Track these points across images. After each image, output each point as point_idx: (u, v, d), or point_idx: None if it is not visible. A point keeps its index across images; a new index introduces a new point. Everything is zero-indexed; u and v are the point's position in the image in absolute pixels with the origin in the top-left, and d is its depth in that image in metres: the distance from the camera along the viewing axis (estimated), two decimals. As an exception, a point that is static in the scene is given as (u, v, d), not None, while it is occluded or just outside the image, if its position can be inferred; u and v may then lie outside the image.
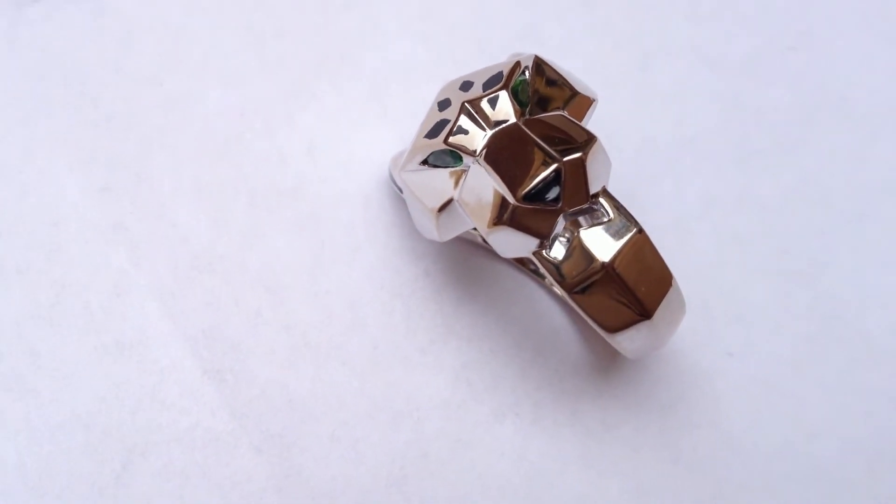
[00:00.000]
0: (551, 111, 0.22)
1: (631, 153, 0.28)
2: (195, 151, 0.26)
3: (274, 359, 0.24)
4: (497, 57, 0.27)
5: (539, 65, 0.23)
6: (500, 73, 0.23)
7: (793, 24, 0.30)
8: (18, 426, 0.23)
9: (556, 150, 0.21)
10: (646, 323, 0.22)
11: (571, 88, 0.23)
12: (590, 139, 0.21)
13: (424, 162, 0.22)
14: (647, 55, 0.29)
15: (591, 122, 0.27)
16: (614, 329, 0.22)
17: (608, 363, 0.26)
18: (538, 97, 0.22)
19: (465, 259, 0.26)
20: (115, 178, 0.25)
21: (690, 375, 0.26)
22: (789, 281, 0.27)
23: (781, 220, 0.28)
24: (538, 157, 0.21)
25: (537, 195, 0.21)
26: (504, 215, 0.21)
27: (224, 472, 0.23)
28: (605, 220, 0.21)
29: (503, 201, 0.21)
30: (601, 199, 0.21)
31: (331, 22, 0.28)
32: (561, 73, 0.23)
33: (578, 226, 0.21)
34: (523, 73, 0.23)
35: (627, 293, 0.21)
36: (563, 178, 0.21)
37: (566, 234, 0.21)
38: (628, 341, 0.22)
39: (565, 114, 0.22)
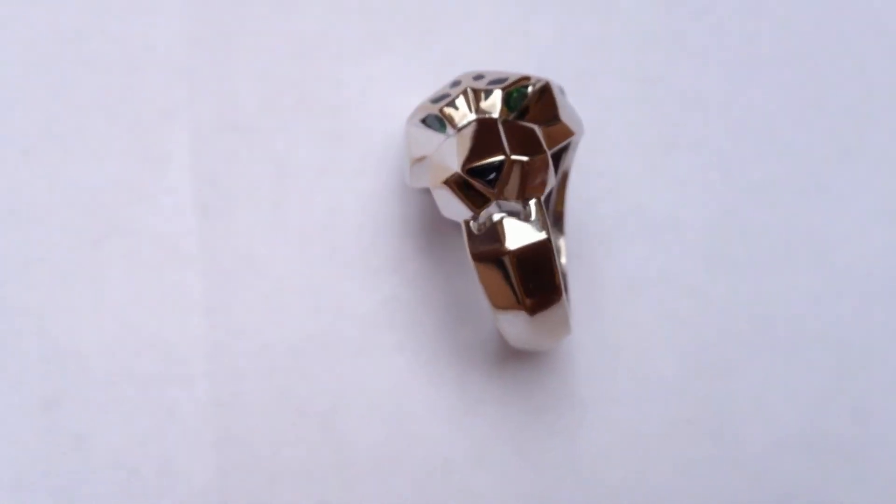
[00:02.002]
0: (533, 124, 0.27)
1: (623, 209, 0.32)
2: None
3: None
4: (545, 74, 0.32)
5: (545, 88, 0.27)
6: (508, 77, 0.27)
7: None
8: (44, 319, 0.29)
9: (510, 148, 0.25)
10: (525, 315, 0.26)
11: (557, 115, 0.27)
12: (542, 154, 0.25)
13: (423, 120, 0.27)
14: (675, 141, 0.33)
15: (593, 159, 0.31)
16: (497, 306, 0.26)
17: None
18: (527, 109, 0.27)
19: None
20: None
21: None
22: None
23: (714, 317, 0.31)
24: (496, 148, 0.25)
25: (478, 173, 0.25)
26: (449, 178, 0.25)
27: (175, 404, 0.29)
28: (530, 219, 0.26)
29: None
30: (532, 204, 0.26)
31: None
32: (559, 102, 0.27)
33: (505, 214, 0.26)
34: (526, 87, 0.27)
35: (517, 282, 0.25)
36: (504, 170, 0.25)
37: (494, 218, 0.26)
38: (508, 325, 0.26)
39: (538, 129, 0.26)
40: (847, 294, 0.32)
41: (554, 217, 0.30)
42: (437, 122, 0.27)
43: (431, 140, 0.27)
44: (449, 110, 0.27)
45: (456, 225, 0.27)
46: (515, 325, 0.26)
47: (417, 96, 0.31)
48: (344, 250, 0.30)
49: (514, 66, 0.33)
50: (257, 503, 0.28)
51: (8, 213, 0.30)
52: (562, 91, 0.29)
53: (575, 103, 0.31)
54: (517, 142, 0.25)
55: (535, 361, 0.30)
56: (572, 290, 0.31)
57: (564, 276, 0.30)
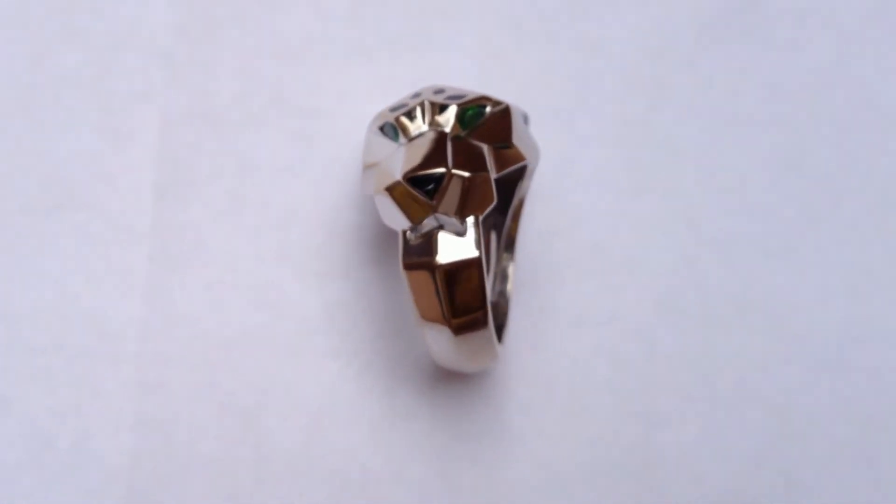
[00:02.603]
0: (483, 144, 0.27)
1: (581, 245, 0.32)
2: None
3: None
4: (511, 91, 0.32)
5: (504, 111, 0.27)
6: (466, 95, 0.27)
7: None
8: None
9: (454, 163, 0.25)
10: (449, 333, 0.26)
11: (510, 139, 0.27)
12: (484, 172, 0.26)
13: (381, 128, 0.28)
14: (644, 186, 0.33)
15: (559, 191, 0.32)
16: (423, 318, 0.26)
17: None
18: (481, 128, 0.27)
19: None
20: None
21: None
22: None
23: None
24: (440, 161, 0.26)
25: (418, 182, 0.25)
26: (391, 185, 0.26)
27: (100, 381, 0.29)
28: (465, 236, 0.26)
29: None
30: (469, 221, 0.26)
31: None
32: (515, 127, 0.28)
33: (442, 228, 0.26)
34: (484, 107, 0.27)
35: (444, 298, 0.25)
36: (443, 183, 0.25)
37: (433, 231, 0.26)
38: (433, 341, 0.26)
39: (486, 149, 0.26)
40: (796, 362, 0.32)
41: (506, 242, 0.30)
42: (392, 130, 0.27)
43: (385, 148, 0.27)
44: (404, 120, 0.27)
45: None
46: (440, 342, 0.26)
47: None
48: (294, 251, 0.30)
49: (496, 91, 0.33)
50: (167, 490, 0.28)
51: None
52: (524, 118, 0.29)
53: (550, 136, 0.32)
54: (462, 158, 0.26)
55: (467, 384, 0.30)
56: (515, 319, 0.31)
57: (507, 301, 0.30)
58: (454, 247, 0.26)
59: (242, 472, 0.29)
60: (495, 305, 0.30)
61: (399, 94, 0.32)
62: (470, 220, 0.26)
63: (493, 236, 0.31)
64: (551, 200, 0.32)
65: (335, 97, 0.32)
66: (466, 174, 0.25)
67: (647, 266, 0.32)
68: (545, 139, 0.32)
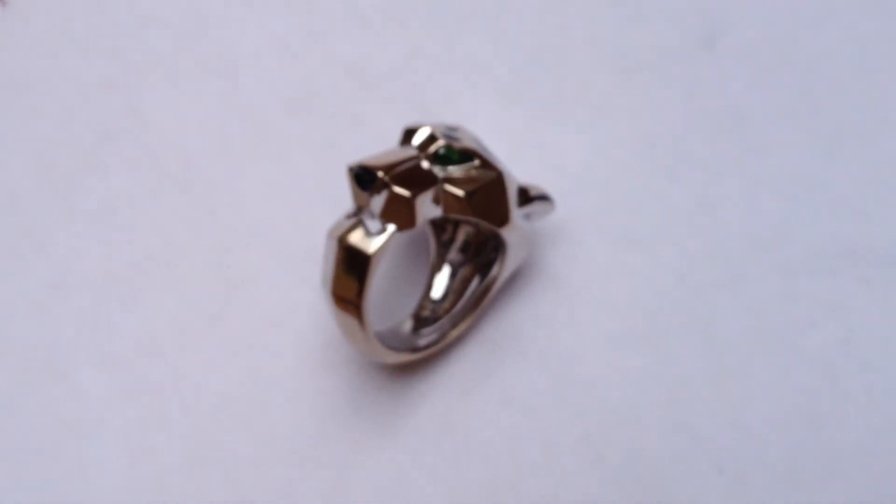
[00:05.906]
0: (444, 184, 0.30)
1: (555, 351, 0.34)
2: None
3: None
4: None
5: (495, 175, 0.31)
6: (464, 142, 0.31)
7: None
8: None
9: (395, 175, 0.29)
10: (330, 299, 0.29)
11: (471, 194, 0.30)
12: (409, 198, 0.28)
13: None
14: (665, 352, 0.33)
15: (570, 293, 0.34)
16: (322, 278, 0.29)
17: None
18: (455, 175, 0.30)
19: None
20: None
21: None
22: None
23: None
24: (388, 168, 0.28)
25: (361, 172, 0.28)
26: (352, 165, 0.29)
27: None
28: (377, 237, 0.29)
29: None
30: (389, 228, 0.28)
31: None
32: (492, 193, 0.30)
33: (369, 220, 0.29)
34: (471, 158, 0.30)
35: (335, 267, 0.28)
36: (375, 184, 0.28)
37: (360, 218, 0.29)
38: (324, 301, 0.30)
39: (439, 186, 0.29)
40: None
41: (478, 297, 0.33)
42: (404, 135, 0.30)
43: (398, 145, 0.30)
44: (410, 134, 0.30)
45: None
46: (326, 305, 0.29)
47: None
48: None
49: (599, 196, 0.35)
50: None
51: None
52: (542, 199, 0.32)
53: (609, 245, 0.34)
54: (406, 177, 0.28)
55: (374, 405, 0.33)
56: (455, 371, 0.33)
57: (439, 340, 0.32)
58: (361, 237, 0.29)
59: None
60: (433, 342, 0.32)
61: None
62: (390, 226, 0.29)
63: (476, 281, 0.33)
64: (565, 299, 0.34)
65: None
66: (394, 187, 0.28)
67: (603, 413, 0.32)
68: (602, 246, 0.34)
